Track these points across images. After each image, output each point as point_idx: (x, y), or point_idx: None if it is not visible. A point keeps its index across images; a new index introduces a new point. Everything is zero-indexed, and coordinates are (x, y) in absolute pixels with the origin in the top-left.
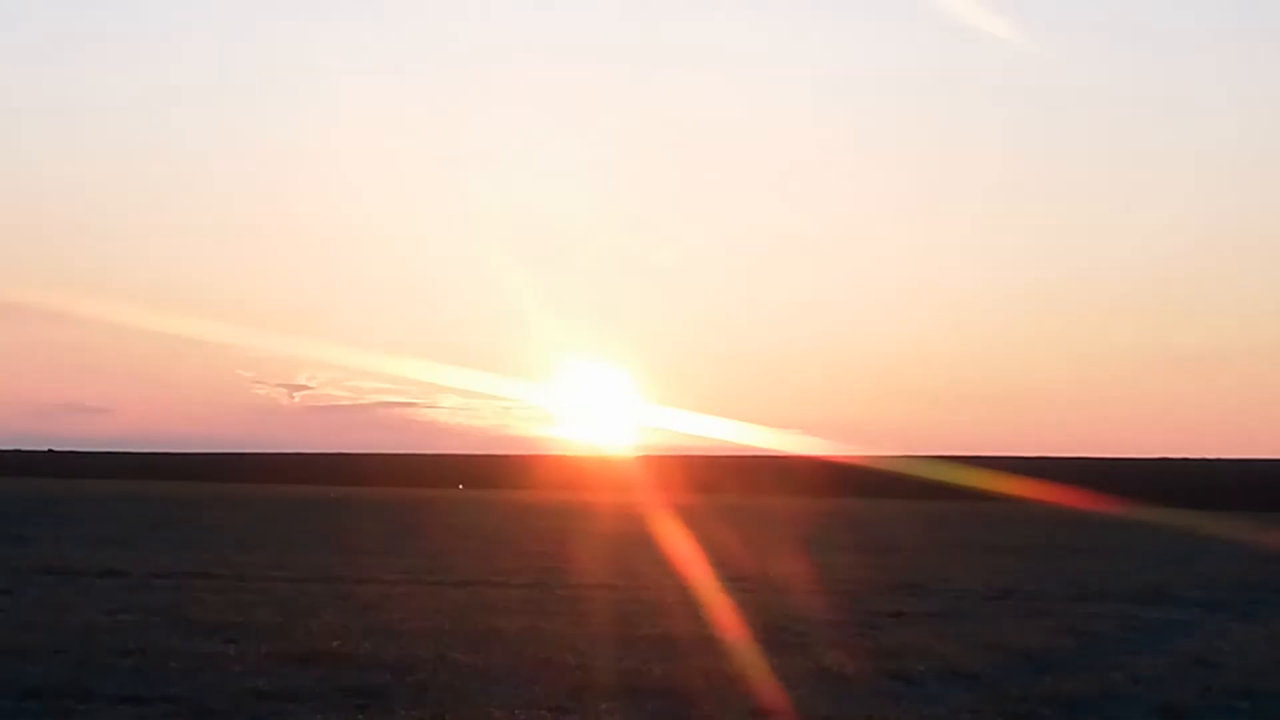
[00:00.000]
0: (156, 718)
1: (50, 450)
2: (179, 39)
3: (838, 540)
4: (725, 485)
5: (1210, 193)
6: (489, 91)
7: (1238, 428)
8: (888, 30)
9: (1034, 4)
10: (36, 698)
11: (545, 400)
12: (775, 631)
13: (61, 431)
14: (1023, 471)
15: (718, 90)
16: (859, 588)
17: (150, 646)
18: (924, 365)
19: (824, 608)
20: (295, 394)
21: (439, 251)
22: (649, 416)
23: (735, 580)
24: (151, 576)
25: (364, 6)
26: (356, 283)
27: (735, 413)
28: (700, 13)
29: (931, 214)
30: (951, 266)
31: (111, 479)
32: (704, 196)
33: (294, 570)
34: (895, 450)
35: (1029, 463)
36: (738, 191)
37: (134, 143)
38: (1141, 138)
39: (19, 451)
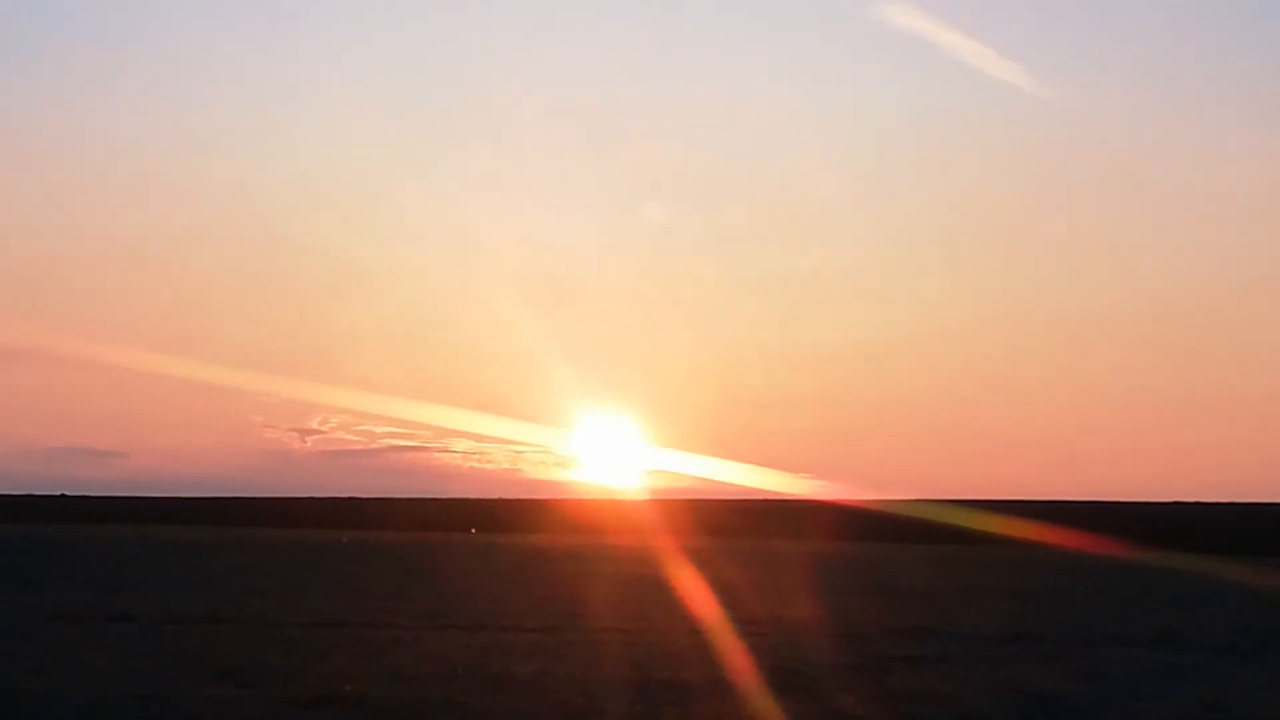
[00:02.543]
0: None
1: (62, 495)
2: (186, 85)
3: (849, 584)
4: (737, 529)
5: (1229, 235)
6: (500, 130)
7: (1248, 471)
8: (906, 77)
9: (1045, 52)
10: None
11: (558, 444)
12: (787, 676)
13: (73, 476)
14: (1033, 515)
15: (735, 133)
16: (871, 632)
17: (162, 691)
18: (936, 408)
19: (836, 652)
20: (307, 438)
21: (450, 295)
22: (661, 460)
23: (747, 624)
24: (163, 621)
25: (378, 51)
26: (368, 327)
27: (747, 456)
28: (720, 53)
29: (944, 257)
30: (963, 310)
31: (123, 523)
32: (719, 240)
33: (306, 614)
34: (906, 494)
35: (1040, 506)
36: (753, 235)
37: (145, 188)
38: (1159, 180)
39: (31, 496)
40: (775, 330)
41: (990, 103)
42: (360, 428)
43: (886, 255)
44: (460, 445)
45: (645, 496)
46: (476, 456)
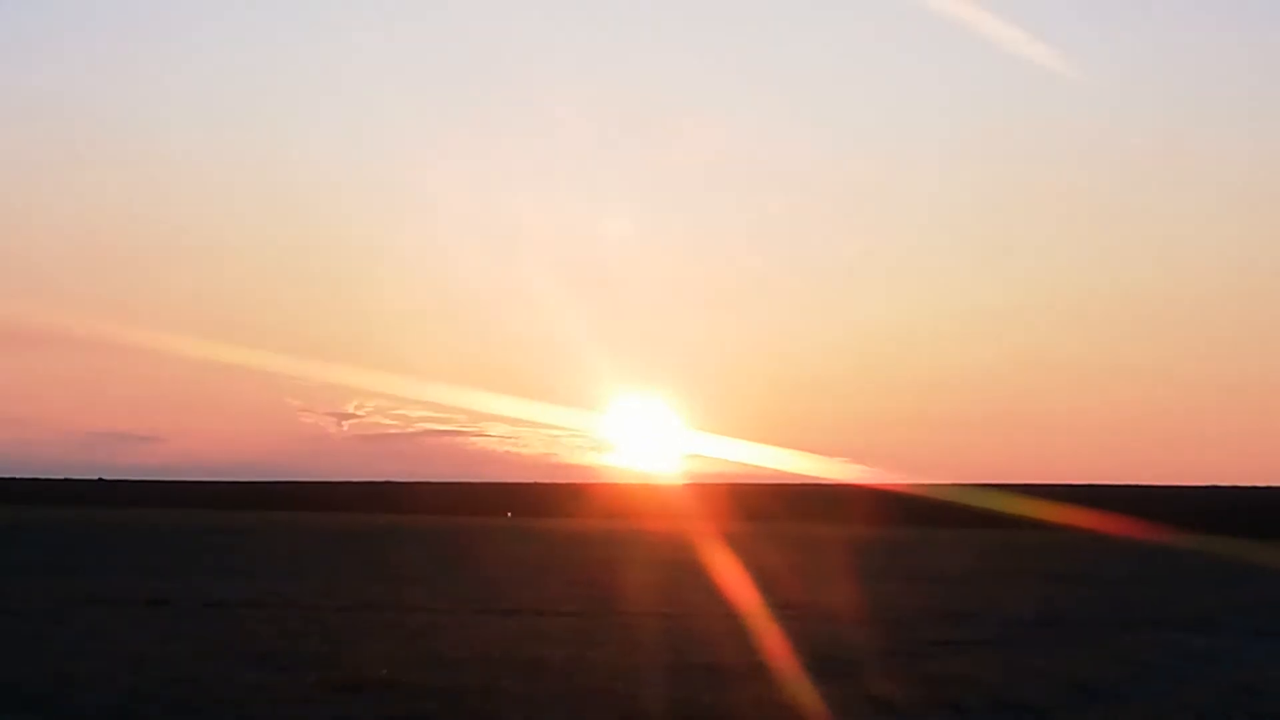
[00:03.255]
0: None
1: (100, 479)
2: (226, 70)
3: (887, 568)
4: (774, 513)
5: (1263, 218)
6: (537, 115)
7: None
8: (943, 62)
9: (1080, 35)
10: None
11: (593, 428)
12: (824, 660)
13: (111, 460)
14: (1071, 499)
15: (770, 117)
16: (908, 616)
17: (199, 675)
18: (973, 392)
19: (873, 636)
20: (343, 422)
21: (487, 279)
22: (697, 444)
23: (784, 608)
24: (200, 605)
25: (414, 38)
26: (404, 311)
27: (783, 440)
28: (756, 38)
29: (981, 240)
30: (999, 293)
31: (161, 507)
32: (754, 224)
33: (342, 599)
34: (944, 478)
35: (1078, 490)
36: (788, 219)
37: (183, 171)
38: (1196, 163)
39: (69, 480)
40: (813, 314)
41: (1026, 86)
42: (396, 412)
43: (923, 240)
44: (496, 429)
45: (682, 481)
46: (512, 441)
